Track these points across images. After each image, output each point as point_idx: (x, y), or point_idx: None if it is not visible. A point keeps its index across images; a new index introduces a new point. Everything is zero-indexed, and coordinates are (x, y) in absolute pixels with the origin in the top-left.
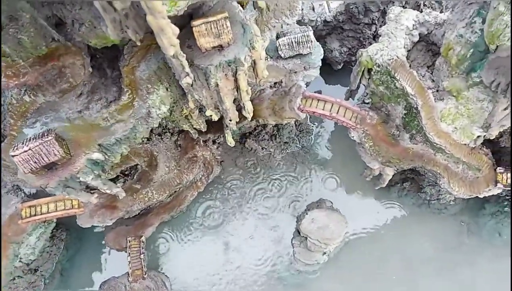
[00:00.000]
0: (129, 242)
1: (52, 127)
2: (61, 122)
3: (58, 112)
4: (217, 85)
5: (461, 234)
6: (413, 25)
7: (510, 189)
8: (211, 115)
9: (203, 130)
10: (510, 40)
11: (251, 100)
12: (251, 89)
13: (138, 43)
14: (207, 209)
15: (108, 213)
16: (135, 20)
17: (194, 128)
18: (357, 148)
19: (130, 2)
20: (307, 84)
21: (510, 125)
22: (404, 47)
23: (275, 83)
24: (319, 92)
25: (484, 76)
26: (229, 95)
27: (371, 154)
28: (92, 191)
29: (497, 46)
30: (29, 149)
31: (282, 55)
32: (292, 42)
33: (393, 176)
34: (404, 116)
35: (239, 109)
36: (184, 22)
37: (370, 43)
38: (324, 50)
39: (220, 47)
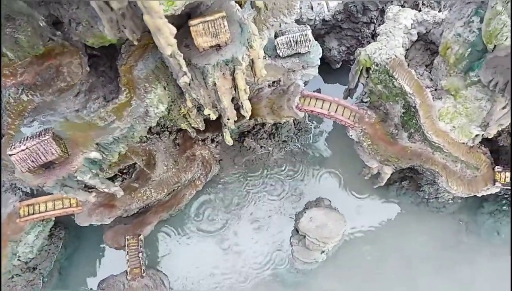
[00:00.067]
0: (128, 240)
1: (49, 127)
2: (58, 121)
3: (55, 112)
4: (214, 84)
5: (460, 233)
6: (412, 24)
7: (508, 187)
8: (209, 114)
9: (202, 129)
10: (508, 39)
11: (250, 99)
12: (249, 88)
13: (136, 43)
14: (206, 208)
15: (107, 212)
16: (132, 19)
17: (192, 127)
18: (356, 147)
19: (127, 2)
20: (306, 83)
21: (508, 124)
22: (403, 46)
23: (274, 82)
24: (319, 90)
25: (482, 76)
26: (227, 94)
27: (369, 153)
28: (90, 190)
29: (495, 46)
30: (26, 148)
31: (281, 54)
32: (290, 41)
33: (391, 174)
34: (402, 115)
35: (237, 108)
36: (181, 21)
37: (369, 42)
38: (322, 49)
39: (218, 47)
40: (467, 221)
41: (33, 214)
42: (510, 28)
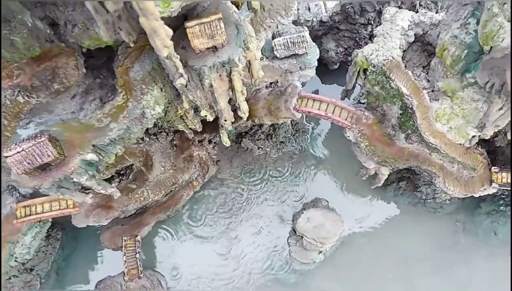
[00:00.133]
0: (125, 241)
1: (45, 128)
2: (55, 123)
3: (52, 113)
4: (211, 86)
5: (457, 233)
6: (409, 25)
7: (505, 188)
8: (206, 116)
9: (199, 130)
10: (504, 41)
11: (247, 100)
12: (246, 89)
13: (132, 45)
14: (203, 209)
15: (104, 213)
16: (128, 21)
17: (190, 128)
18: (353, 148)
19: (122, 4)
20: (303, 84)
21: (504, 125)
22: (400, 48)
23: (271, 83)
24: (316, 91)
25: (479, 77)
26: (224, 95)
27: (366, 154)
28: (87, 191)
29: (491, 47)
30: (22, 150)
31: (278, 55)
32: (287, 43)
33: (388, 175)
34: (399, 116)
35: (235, 109)
36: (178, 23)
37: (366, 43)
38: (320, 50)
39: (214, 48)
40: (464, 222)
41: (30, 215)
42: (506, 30)
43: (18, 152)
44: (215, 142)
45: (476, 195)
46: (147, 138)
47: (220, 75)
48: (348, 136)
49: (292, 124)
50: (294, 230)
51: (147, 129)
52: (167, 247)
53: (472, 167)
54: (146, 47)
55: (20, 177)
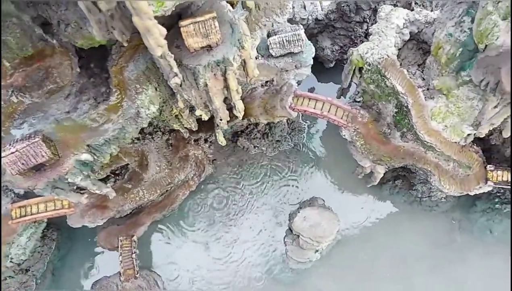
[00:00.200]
0: (121, 241)
1: (39, 129)
2: (49, 123)
3: (46, 113)
4: (206, 85)
5: (453, 231)
6: (404, 23)
7: (501, 186)
8: (201, 115)
9: (194, 129)
10: (499, 39)
11: (242, 99)
12: (242, 88)
13: (125, 44)
14: (199, 208)
15: (99, 213)
16: (121, 20)
17: (185, 128)
18: (349, 146)
19: (115, 3)
20: (299, 82)
21: (499, 123)
22: (395, 46)
23: (267, 82)
24: (312, 89)
25: (473, 75)
26: (219, 95)
27: (362, 152)
28: (82, 191)
29: (486, 45)
30: (16, 151)
31: (273, 54)
32: (283, 41)
33: (384, 173)
34: (395, 114)
35: (230, 108)
36: (172, 22)
37: (362, 41)
38: (316, 48)
39: (209, 47)
40: (460, 220)
41: (25, 215)
42: (501, 28)
43: (12, 153)
44: (211, 142)
45: (472, 193)
46: (143, 138)
47: (215, 74)
48: (344, 135)
49: (288, 123)
50: (290, 229)
51: (142, 129)
52: (163, 246)
53: (467, 165)
54: (140, 46)
55: (14, 178)
